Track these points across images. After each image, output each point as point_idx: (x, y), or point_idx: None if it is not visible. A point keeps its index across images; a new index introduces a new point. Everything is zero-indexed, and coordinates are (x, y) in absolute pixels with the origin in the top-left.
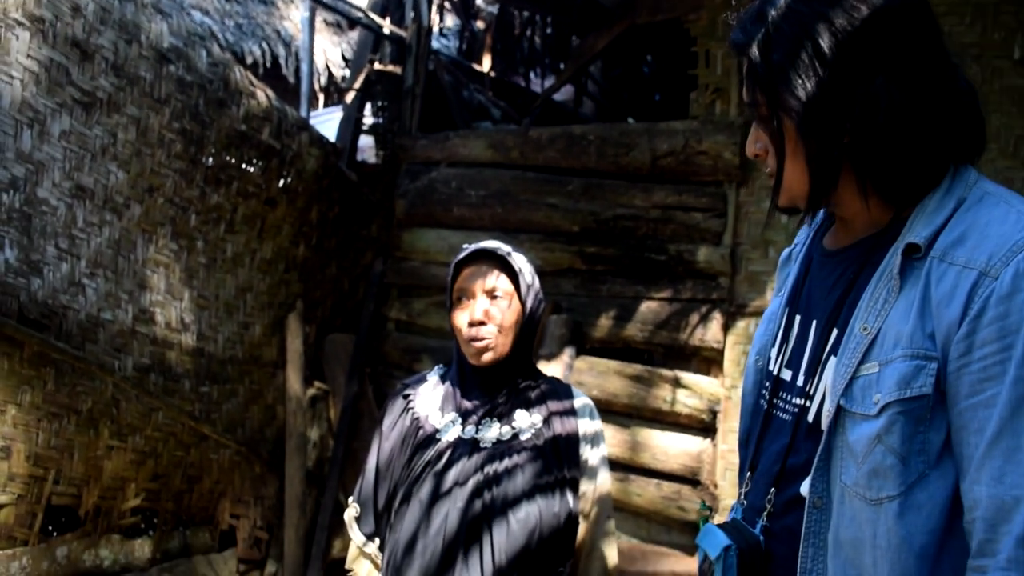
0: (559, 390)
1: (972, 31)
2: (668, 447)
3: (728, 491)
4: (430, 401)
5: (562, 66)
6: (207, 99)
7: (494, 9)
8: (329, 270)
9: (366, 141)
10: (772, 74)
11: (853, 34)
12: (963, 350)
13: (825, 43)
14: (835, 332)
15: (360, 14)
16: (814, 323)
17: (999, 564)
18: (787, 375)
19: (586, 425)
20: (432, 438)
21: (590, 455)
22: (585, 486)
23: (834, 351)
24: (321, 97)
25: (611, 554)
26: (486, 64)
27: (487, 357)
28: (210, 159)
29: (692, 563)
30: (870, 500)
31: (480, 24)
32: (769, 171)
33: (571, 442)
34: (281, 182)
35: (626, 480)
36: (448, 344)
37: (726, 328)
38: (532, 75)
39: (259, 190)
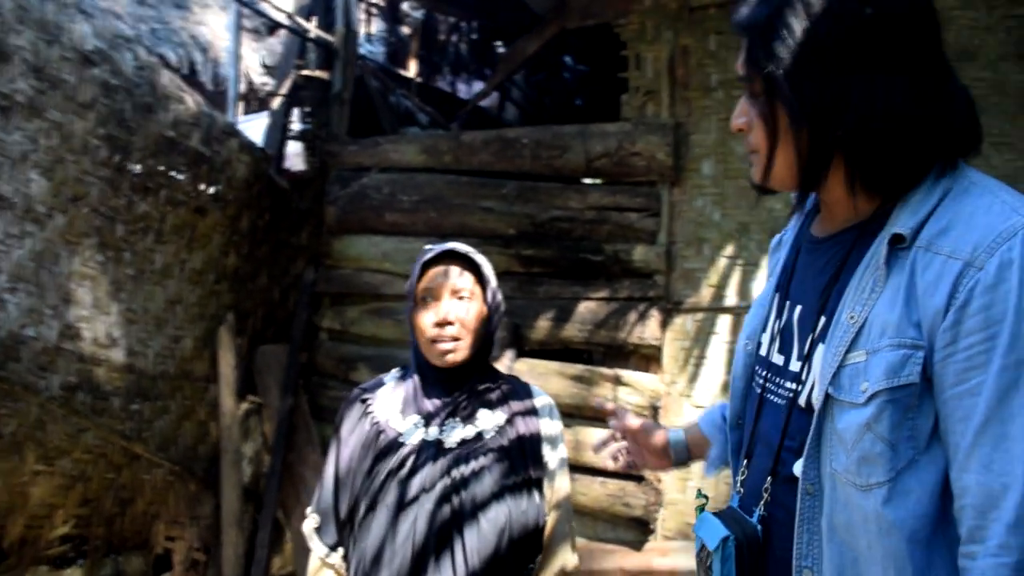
0: (520, 389)
1: None
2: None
3: (672, 485)
4: (389, 405)
5: (488, 71)
6: (134, 104)
7: (420, 14)
8: (260, 280)
9: (293, 148)
10: (772, 59)
11: (856, 29)
12: (949, 339)
13: (828, 35)
14: (823, 319)
15: (286, 18)
16: (800, 308)
17: (989, 550)
18: (779, 360)
19: (547, 426)
20: (395, 443)
21: (550, 457)
22: (546, 488)
23: (822, 338)
24: (240, 104)
25: (571, 558)
26: (412, 69)
27: (453, 358)
28: (137, 166)
29: (639, 558)
30: (860, 486)
31: (406, 29)
32: (750, 148)
33: (534, 442)
34: (211, 190)
35: (571, 479)
36: (384, 352)
37: (664, 325)
38: (458, 81)
39: (188, 198)
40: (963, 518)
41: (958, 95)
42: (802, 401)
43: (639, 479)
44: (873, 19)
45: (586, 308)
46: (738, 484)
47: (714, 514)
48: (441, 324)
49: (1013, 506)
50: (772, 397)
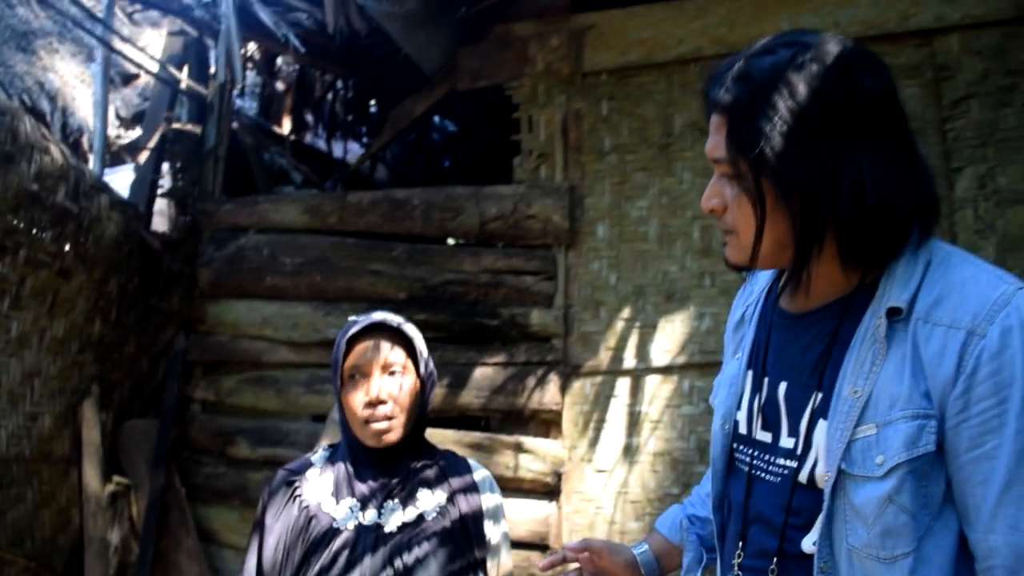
0: (458, 465)
1: None
2: (514, 514)
3: None
4: (320, 488)
5: (363, 131)
6: None
7: (294, 69)
8: (127, 348)
9: (159, 206)
10: (757, 139)
11: (840, 106)
12: (961, 406)
13: (811, 112)
14: (818, 395)
15: (157, 66)
16: (784, 385)
17: None
18: (766, 437)
19: (488, 500)
20: (330, 530)
21: (492, 533)
22: (489, 566)
23: (822, 414)
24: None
25: None
26: (286, 126)
27: (388, 438)
28: None
29: None
30: (883, 559)
31: (280, 84)
32: (725, 228)
33: (476, 519)
34: (77, 250)
35: None
36: (266, 424)
37: (563, 389)
38: (333, 140)
39: (51, 259)
40: None
41: (925, 168)
42: (803, 477)
43: (544, 548)
44: (853, 97)
45: (483, 373)
46: (735, 567)
47: None
48: (373, 403)
49: None
50: (763, 475)
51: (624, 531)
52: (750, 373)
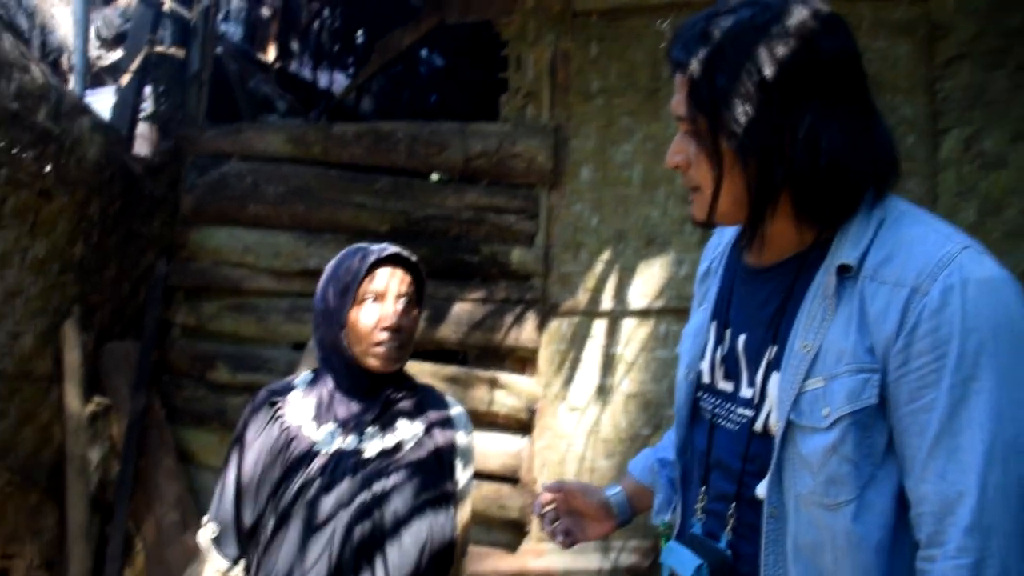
0: (436, 399)
1: None
2: (487, 448)
3: None
4: (302, 410)
5: (349, 61)
6: None
7: None
8: (109, 271)
9: (140, 130)
10: (716, 97)
11: (795, 67)
12: (901, 361)
13: (769, 73)
14: (773, 348)
15: None
16: (744, 336)
17: (948, 553)
18: (727, 387)
19: (462, 439)
20: (309, 452)
21: (462, 475)
22: (456, 502)
23: (776, 366)
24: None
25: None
26: (271, 54)
27: (395, 365)
28: None
29: (513, 560)
30: (827, 506)
31: (266, 11)
32: (690, 184)
33: (450, 453)
34: (58, 172)
35: None
36: (245, 351)
37: (540, 328)
38: (318, 70)
39: (32, 179)
40: (921, 524)
41: (883, 129)
42: (758, 427)
43: (515, 481)
44: (811, 60)
45: (461, 309)
46: (697, 511)
47: (681, 542)
48: (389, 329)
49: (968, 512)
50: (724, 423)
51: (594, 468)
52: (713, 324)
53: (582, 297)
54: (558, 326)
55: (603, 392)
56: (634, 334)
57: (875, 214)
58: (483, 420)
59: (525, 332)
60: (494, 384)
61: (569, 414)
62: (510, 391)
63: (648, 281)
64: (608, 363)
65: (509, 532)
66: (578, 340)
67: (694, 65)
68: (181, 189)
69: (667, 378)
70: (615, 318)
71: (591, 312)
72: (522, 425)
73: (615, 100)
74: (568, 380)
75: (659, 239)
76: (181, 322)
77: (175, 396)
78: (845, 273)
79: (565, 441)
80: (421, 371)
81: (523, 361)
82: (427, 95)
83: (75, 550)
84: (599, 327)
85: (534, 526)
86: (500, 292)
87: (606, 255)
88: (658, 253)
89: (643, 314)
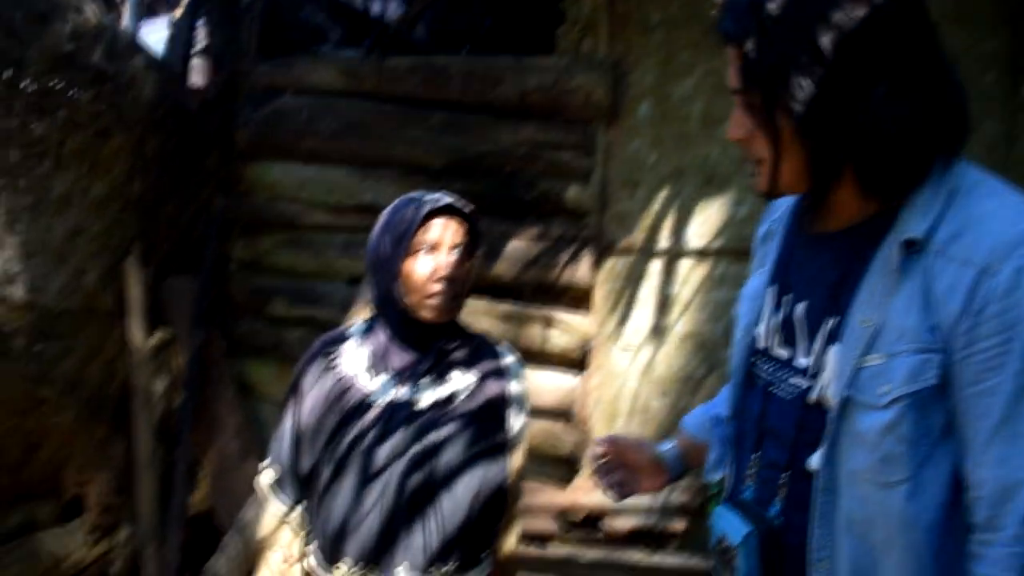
0: (489, 348)
1: None
2: (541, 385)
3: (599, 425)
4: (356, 360)
5: None
6: (25, 13)
7: None
8: (167, 208)
9: (193, 63)
10: (769, 72)
11: (853, 36)
12: (966, 342)
13: (825, 44)
14: (833, 319)
15: None
16: (803, 304)
17: (1003, 540)
18: (783, 354)
19: (515, 388)
20: (363, 403)
21: (515, 423)
22: (509, 451)
23: (835, 338)
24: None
25: (511, 540)
26: None
27: (448, 315)
28: (31, 84)
29: (565, 495)
30: (881, 484)
31: None
32: (752, 156)
33: (503, 404)
34: (114, 111)
35: None
36: (303, 285)
37: (596, 266)
38: None
39: (90, 120)
40: (977, 508)
41: (955, 89)
42: (813, 398)
43: (568, 418)
44: (870, 24)
45: (516, 246)
46: (748, 476)
47: (731, 507)
48: (443, 279)
49: None
50: (777, 392)
51: (648, 408)
52: (772, 289)
53: (638, 236)
54: (613, 265)
55: (658, 332)
56: (690, 274)
57: (945, 183)
58: (537, 357)
59: (580, 270)
60: (548, 322)
61: (623, 353)
62: (564, 329)
63: (706, 221)
64: (663, 303)
65: (561, 468)
66: (633, 279)
67: (745, 38)
68: (236, 124)
69: (722, 320)
70: (672, 258)
71: (647, 251)
72: (576, 363)
73: (675, 33)
74: (623, 319)
75: (718, 178)
76: (238, 257)
77: (234, 330)
78: (911, 248)
79: (619, 380)
80: (475, 308)
81: (578, 299)
82: (483, 21)
83: (143, 478)
84: (655, 266)
85: (586, 462)
86: (555, 230)
87: (664, 194)
88: (717, 192)
89: (700, 254)
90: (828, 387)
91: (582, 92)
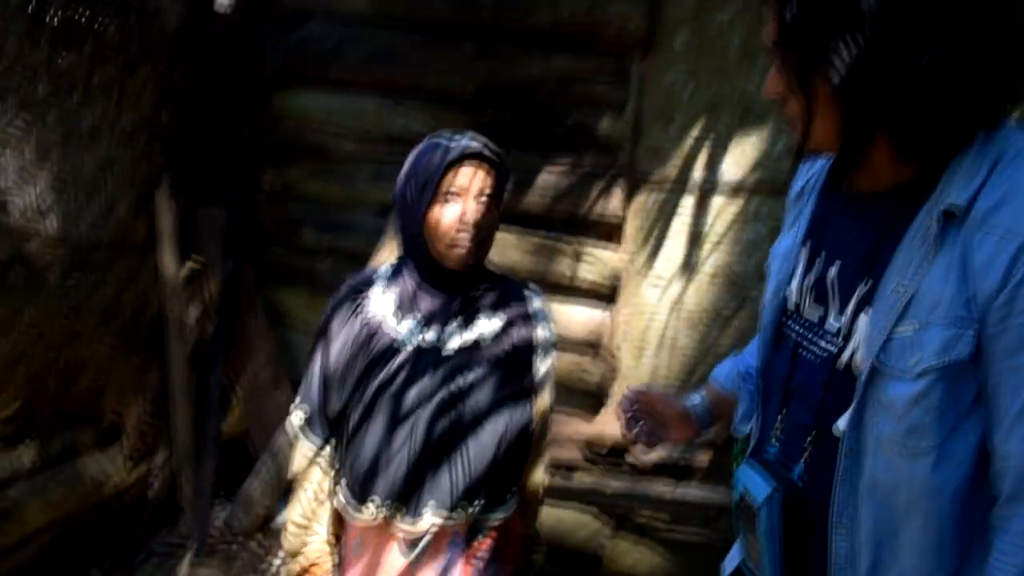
0: (516, 292)
1: None
2: (570, 317)
3: (627, 357)
4: (383, 304)
5: None
6: None
7: None
8: (196, 138)
9: None
10: (808, 35)
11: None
12: (1001, 316)
13: (869, 6)
14: (867, 283)
15: None
16: (838, 264)
17: None
18: (814, 315)
19: (541, 333)
20: (391, 348)
21: (541, 366)
22: (535, 396)
23: (868, 303)
24: None
25: (542, 478)
26: None
27: (470, 260)
28: (56, 16)
29: (592, 426)
30: (908, 452)
31: None
32: (790, 115)
33: (529, 349)
34: (141, 42)
35: None
36: (331, 215)
37: (627, 199)
38: None
39: (116, 52)
40: (1003, 480)
41: (1007, 48)
42: (842, 362)
43: (596, 350)
44: None
45: (547, 178)
46: (775, 434)
47: (756, 464)
48: (467, 227)
49: None
50: (805, 353)
51: (675, 343)
52: (805, 248)
53: (671, 169)
54: (645, 198)
55: (688, 267)
56: (723, 210)
57: (990, 150)
58: (566, 290)
59: (611, 203)
60: (578, 255)
61: (653, 287)
62: (594, 261)
63: (741, 156)
64: (695, 238)
65: (589, 399)
66: (665, 213)
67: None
68: (263, 52)
69: (754, 257)
70: (705, 192)
71: (680, 185)
72: (605, 296)
73: None
74: (654, 253)
75: (755, 112)
76: (267, 186)
77: (264, 258)
78: (951, 219)
79: (648, 314)
80: (506, 240)
81: (608, 232)
82: None
83: (178, 404)
84: (688, 201)
85: (613, 395)
86: (587, 162)
87: (698, 127)
88: (753, 127)
89: (734, 190)
90: (858, 352)
91: (617, 21)
